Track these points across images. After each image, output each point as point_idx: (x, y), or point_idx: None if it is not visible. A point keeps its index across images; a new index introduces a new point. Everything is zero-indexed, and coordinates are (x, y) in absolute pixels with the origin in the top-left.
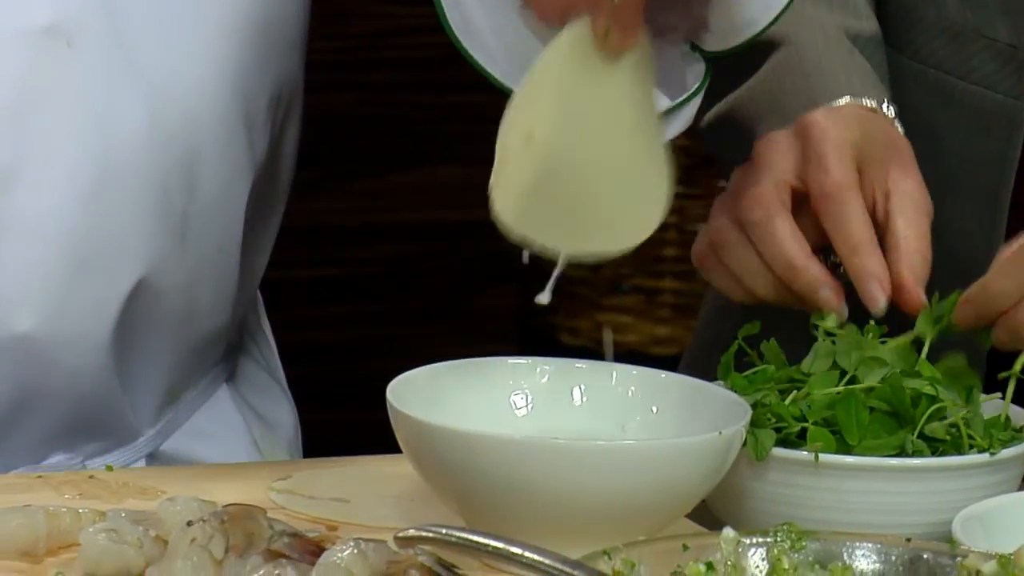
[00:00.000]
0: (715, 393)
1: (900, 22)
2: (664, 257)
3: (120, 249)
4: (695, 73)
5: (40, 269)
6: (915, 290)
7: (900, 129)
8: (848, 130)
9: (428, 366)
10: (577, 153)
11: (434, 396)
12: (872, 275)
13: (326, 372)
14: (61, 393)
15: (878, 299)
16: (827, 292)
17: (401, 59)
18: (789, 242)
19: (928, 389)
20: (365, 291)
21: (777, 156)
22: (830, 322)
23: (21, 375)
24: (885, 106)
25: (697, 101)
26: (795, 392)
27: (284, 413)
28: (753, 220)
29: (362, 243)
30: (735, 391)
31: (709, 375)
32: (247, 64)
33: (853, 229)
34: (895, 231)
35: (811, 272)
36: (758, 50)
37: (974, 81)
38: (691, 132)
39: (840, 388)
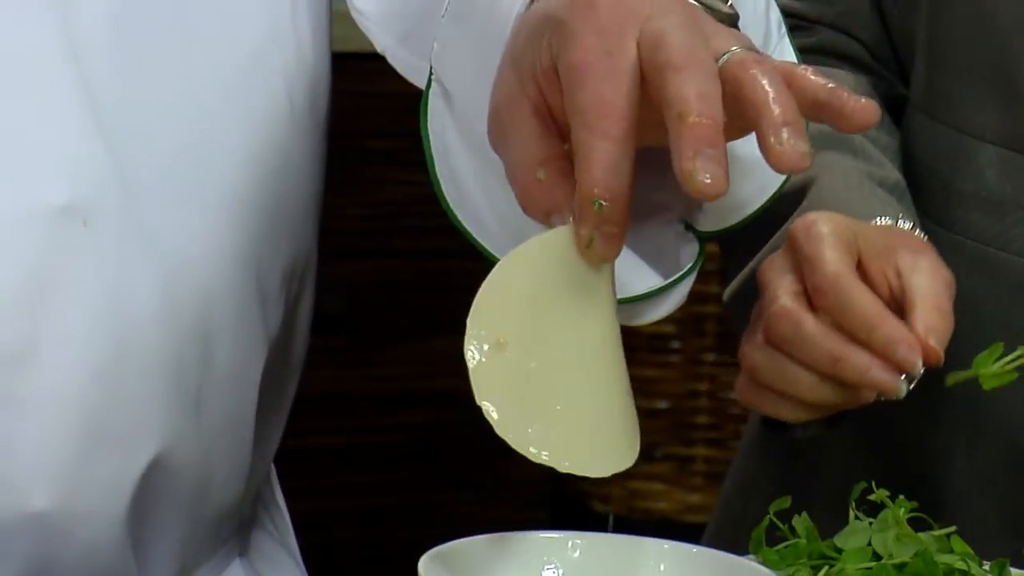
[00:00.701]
0: (747, 568)
1: (936, 194)
2: (697, 424)
3: (135, 425)
4: (689, 253)
5: (55, 447)
6: (929, 344)
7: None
8: (839, 224)
9: (460, 540)
10: (550, 368)
11: (464, 571)
12: (898, 340)
13: (348, 540)
14: (76, 569)
15: (913, 363)
16: (903, 349)
17: (429, 226)
18: (822, 337)
19: (960, 564)
20: (395, 458)
21: (777, 274)
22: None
23: (36, 552)
24: (903, 222)
25: (690, 280)
26: (827, 568)
27: None
28: (782, 334)
29: (392, 410)
30: (767, 566)
31: (735, 547)
32: (262, 240)
33: (860, 308)
34: (910, 293)
35: (858, 355)
36: (781, 201)
37: (1015, 252)
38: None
39: (873, 564)
